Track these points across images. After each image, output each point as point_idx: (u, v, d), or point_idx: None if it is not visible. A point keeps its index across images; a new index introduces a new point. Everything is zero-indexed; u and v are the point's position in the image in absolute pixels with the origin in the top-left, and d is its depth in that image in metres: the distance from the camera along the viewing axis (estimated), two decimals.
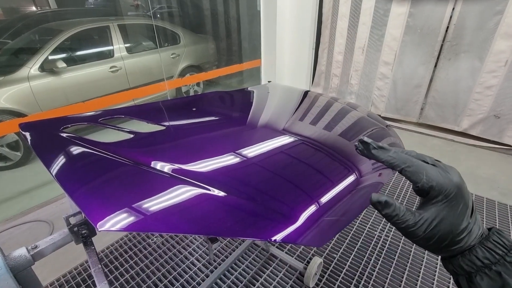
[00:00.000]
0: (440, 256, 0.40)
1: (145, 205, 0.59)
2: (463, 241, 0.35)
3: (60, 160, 0.73)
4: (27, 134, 0.85)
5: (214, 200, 0.64)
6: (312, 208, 0.66)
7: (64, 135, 0.87)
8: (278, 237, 0.56)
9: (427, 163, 0.37)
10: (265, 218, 0.61)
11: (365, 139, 0.39)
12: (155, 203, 0.60)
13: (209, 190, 0.66)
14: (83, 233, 0.69)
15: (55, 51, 2.78)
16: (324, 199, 0.70)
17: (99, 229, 0.51)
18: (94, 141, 0.83)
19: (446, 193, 0.33)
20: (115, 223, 0.53)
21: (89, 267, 1.64)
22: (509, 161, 2.74)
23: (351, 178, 0.80)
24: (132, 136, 0.91)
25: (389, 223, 1.96)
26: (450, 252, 0.36)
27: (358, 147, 0.40)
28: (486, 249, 0.34)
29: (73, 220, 0.71)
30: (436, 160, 0.38)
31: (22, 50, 2.89)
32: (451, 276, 0.40)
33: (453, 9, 2.81)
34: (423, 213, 0.35)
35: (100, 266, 0.60)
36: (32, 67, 2.59)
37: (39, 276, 0.65)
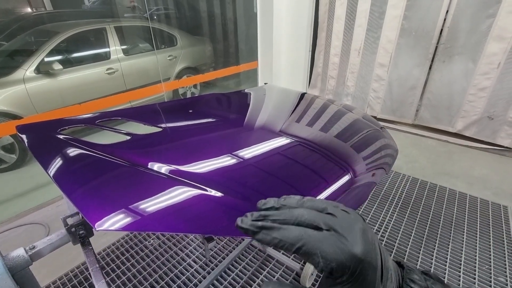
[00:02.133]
0: None
1: (142, 205, 0.60)
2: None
3: (58, 162, 0.74)
4: (24, 136, 0.85)
5: (211, 200, 0.65)
6: None
7: (61, 137, 0.87)
8: None
9: (321, 228, 0.29)
10: None
11: (241, 224, 0.31)
12: (152, 203, 0.61)
13: (206, 190, 0.67)
14: (81, 233, 0.70)
15: (51, 53, 2.77)
16: (319, 198, 0.71)
17: (97, 229, 0.52)
18: (92, 142, 0.83)
19: (350, 271, 0.28)
20: (113, 223, 0.54)
21: (85, 269, 1.64)
22: (502, 162, 2.78)
23: (345, 178, 0.82)
24: (129, 137, 0.92)
25: (384, 223, 1.98)
26: None
27: (239, 229, 0.32)
28: None
29: (70, 221, 0.72)
30: (330, 212, 0.30)
31: (17, 52, 2.88)
32: None
33: (447, 12, 2.85)
34: None
35: (97, 265, 0.61)
36: (28, 69, 2.58)
37: (36, 278, 0.66)
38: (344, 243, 0.28)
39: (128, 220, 0.55)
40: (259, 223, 0.30)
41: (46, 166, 0.71)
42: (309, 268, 1.51)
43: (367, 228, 0.30)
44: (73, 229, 0.71)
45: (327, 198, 0.72)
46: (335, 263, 0.27)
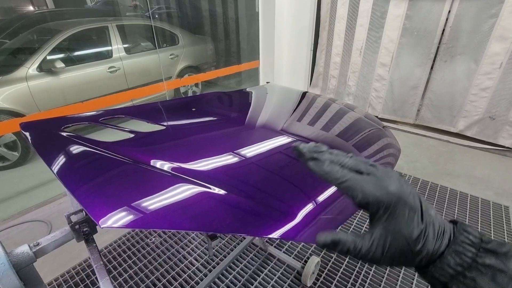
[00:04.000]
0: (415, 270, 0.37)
1: (146, 203, 0.60)
2: (424, 250, 0.32)
3: (62, 159, 0.74)
4: (28, 134, 0.85)
5: (215, 198, 0.65)
6: (309, 207, 0.67)
7: (65, 134, 0.88)
8: (277, 233, 0.57)
9: (362, 173, 0.34)
10: (264, 216, 0.63)
11: (300, 147, 0.36)
12: (156, 201, 0.61)
13: (210, 188, 0.67)
14: (85, 230, 0.70)
15: (54, 51, 2.78)
16: (321, 197, 0.71)
17: (101, 226, 0.53)
18: (95, 140, 0.84)
19: (385, 206, 0.31)
20: (117, 220, 0.54)
21: (87, 267, 1.65)
22: (504, 162, 2.78)
23: None
24: (132, 135, 0.92)
25: None
26: (419, 263, 0.33)
27: (293, 150, 0.37)
28: (456, 253, 0.31)
29: (74, 218, 0.72)
30: (371, 165, 0.35)
31: (20, 50, 2.88)
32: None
33: (449, 11, 2.85)
34: (373, 234, 0.32)
35: (102, 262, 0.61)
36: (30, 67, 2.58)
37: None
38: (381, 183, 0.32)
39: (132, 217, 0.56)
40: (315, 154, 0.36)
41: (50, 163, 0.71)
42: (310, 267, 1.51)
43: (404, 180, 0.35)
44: (77, 226, 0.71)
45: (330, 196, 0.72)
46: (371, 197, 0.31)
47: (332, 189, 0.76)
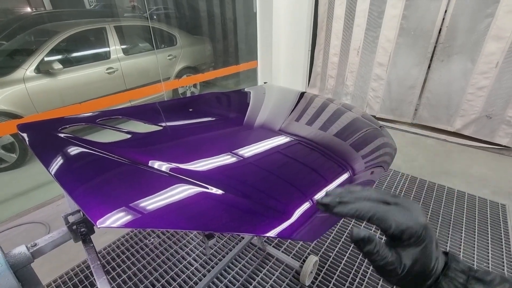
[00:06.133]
0: None
1: (143, 203, 0.61)
2: (433, 276, 0.36)
3: (59, 160, 0.74)
4: (25, 135, 0.86)
5: (212, 198, 0.65)
6: (306, 205, 0.68)
7: (62, 135, 0.88)
8: (274, 232, 0.58)
9: (389, 203, 0.36)
10: (261, 215, 0.63)
11: (323, 200, 0.38)
12: (153, 201, 0.61)
13: (207, 188, 0.68)
14: (82, 231, 0.71)
15: (51, 52, 2.77)
16: (318, 196, 0.72)
17: (98, 226, 0.53)
18: (93, 141, 0.84)
19: (417, 235, 0.34)
20: (114, 220, 0.55)
21: (86, 268, 1.65)
22: (501, 160, 2.79)
23: (344, 176, 0.82)
24: (130, 136, 0.92)
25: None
26: (423, 286, 0.36)
27: (318, 207, 0.38)
28: (450, 279, 0.35)
29: (71, 219, 0.73)
30: (394, 196, 0.37)
31: (17, 51, 2.88)
32: None
33: (446, 11, 2.86)
34: (399, 253, 0.35)
35: (99, 262, 0.61)
36: (28, 69, 2.58)
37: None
38: (411, 214, 0.35)
39: (129, 217, 0.56)
40: (338, 199, 0.37)
41: (47, 164, 0.72)
42: (309, 266, 1.51)
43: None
44: (74, 227, 0.71)
45: None
46: (405, 226, 0.34)
47: (329, 188, 0.76)
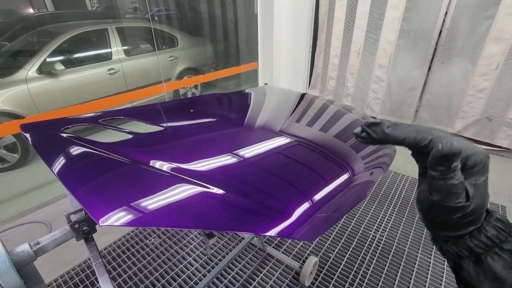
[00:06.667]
0: (436, 241, 0.38)
1: (145, 202, 0.61)
2: (483, 217, 0.33)
3: (62, 160, 0.75)
4: (28, 135, 0.87)
5: (213, 198, 0.66)
6: (305, 205, 0.68)
7: (65, 135, 0.89)
8: (274, 231, 0.59)
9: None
10: (261, 214, 0.64)
11: (375, 120, 0.34)
12: (155, 200, 0.62)
13: (208, 188, 0.68)
14: (84, 229, 0.71)
15: (53, 53, 2.79)
16: (317, 196, 0.72)
17: (101, 225, 0.54)
18: (95, 141, 0.85)
19: (482, 163, 0.31)
20: (116, 219, 0.55)
21: (87, 267, 1.65)
22: (501, 162, 2.79)
23: (344, 176, 0.83)
24: (131, 136, 0.93)
25: (383, 223, 1.99)
26: (465, 230, 0.33)
27: (360, 134, 0.34)
28: (495, 227, 0.32)
29: (74, 218, 0.73)
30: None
31: (20, 52, 2.90)
32: (447, 261, 0.38)
33: (446, 13, 2.87)
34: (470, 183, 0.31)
35: (101, 260, 0.62)
36: (30, 69, 2.60)
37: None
38: (471, 143, 0.32)
39: (131, 216, 0.57)
40: (388, 123, 0.33)
41: (50, 163, 0.72)
42: (308, 266, 1.52)
43: None
44: (76, 226, 0.72)
45: (327, 195, 0.73)
46: (471, 152, 0.31)
47: (329, 188, 0.77)
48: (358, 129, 0.35)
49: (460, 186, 0.31)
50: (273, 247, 1.80)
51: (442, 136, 0.31)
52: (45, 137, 0.88)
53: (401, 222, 2.01)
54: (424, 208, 0.35)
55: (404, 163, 2.73)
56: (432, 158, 0.31)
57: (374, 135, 0.33)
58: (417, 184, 0.37)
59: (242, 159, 0.87)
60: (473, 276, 0.33)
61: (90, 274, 1.61)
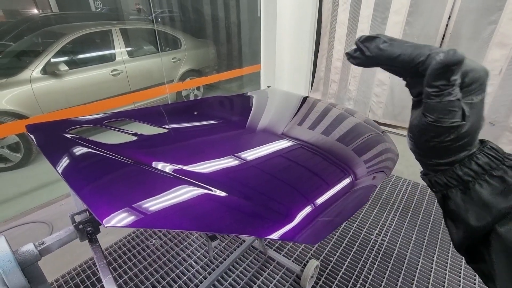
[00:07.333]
0: (426, 175, 0.37)
1: (149, 203, 0.62)
2: (476, 142, 0.32)
3: (67, 160, 0.76)
4: (33, 135, 0.87)
5: (215, 200, 0.67)
6: (308, 208, 0.69)
7: (70, 136, 0.90)
8: (276, 234, 0.59)
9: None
10: (263, 217, 0.64)
11: (371, 34, 0.31)
12: (159, 202, 0.63)
13: (210, 190, 0.69)
14: (88, 230, 0.72)
15: (58, 54, 2.81)
16: (320, 200, 0.73)
17: (105, 225, 0.54)
18: (99, 142, 0.85)
19: (481, 81, 0.29)
20: (120, 220, 0.56)
21: (88, 268, 1.66)
22: None
23: (346, 180, 0.83)
24: (135, 138, 0.94)
25: (385, 227, 1.99)
26: (457, 156, 0.32)
27: (353, 54, 0.32)
28: (488, 155, 0.31)
29: (78, 218, 0.74)
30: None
31: (24, 52, 2.92)
32: (435, 195, 0.36)
33: (449, 18, 2.88)
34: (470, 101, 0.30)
35: (105, 261, 0.63)
36: (35, 70, 2.62)
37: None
38: (471, 60, 0.30)
39: (135, 217, 0.57)
40: (384, 38, 0.31)
41: (55, 164, 0.73)
42: (309, 270, 1.52)
43: None
44: (80, 226, 0.73)
45: (329, 199, 0.73)
46: (470, 68, 0.29)
47: (331, 192, 0.77)
48: (352, 49, 0.33)
49: (457, 103, 0.29)
50: (274, 250, 1.80)
51: (441, 50, 0.29)
52: (50, 137, 0.89)
53: (403, 227, 2.00)
54: (416, 134, 0.33)
55: (406, 167, 2.72)
56: (431, 71, 0.29)
57: (368, 53, 0.31)
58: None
59: (245, 161, 0.88)
60: (460, 206, 0.32)
61: (91, 275, 1.61)
